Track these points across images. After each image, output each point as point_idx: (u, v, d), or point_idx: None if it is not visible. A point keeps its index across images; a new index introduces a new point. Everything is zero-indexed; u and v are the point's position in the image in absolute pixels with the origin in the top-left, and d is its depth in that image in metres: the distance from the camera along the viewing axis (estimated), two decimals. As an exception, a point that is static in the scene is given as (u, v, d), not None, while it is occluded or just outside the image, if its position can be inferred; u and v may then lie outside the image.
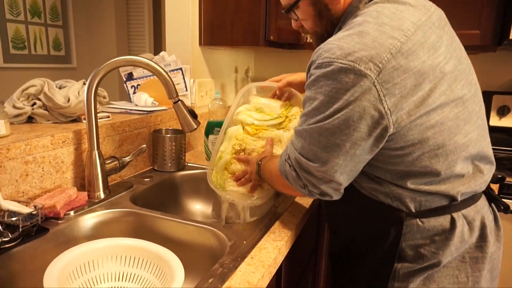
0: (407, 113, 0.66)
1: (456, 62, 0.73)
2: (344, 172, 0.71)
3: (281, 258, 0.82)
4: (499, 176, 0.91)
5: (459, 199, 0.75)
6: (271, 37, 1.52)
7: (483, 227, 0.78)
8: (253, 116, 1.11)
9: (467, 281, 0.77)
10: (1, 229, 0.77)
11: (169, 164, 1.30)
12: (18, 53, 2.74)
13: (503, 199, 1.28)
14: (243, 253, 0.77)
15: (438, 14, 0.76)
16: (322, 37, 0.83)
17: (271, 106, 1.12)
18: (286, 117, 1.09)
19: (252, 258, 0.76)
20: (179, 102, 1.01)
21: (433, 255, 0.75)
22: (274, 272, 0.79)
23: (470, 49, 1.54)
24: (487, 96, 1.77)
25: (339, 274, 0.95)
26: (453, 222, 0.74)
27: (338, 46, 0.67)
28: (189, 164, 1.37)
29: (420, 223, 0.75)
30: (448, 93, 0.69)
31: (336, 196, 0.76)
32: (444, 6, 1.47)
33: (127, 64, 1.00)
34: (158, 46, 3.57)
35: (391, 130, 0.67)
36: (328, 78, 0.67)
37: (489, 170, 0.81)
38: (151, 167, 1.34)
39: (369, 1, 0.76)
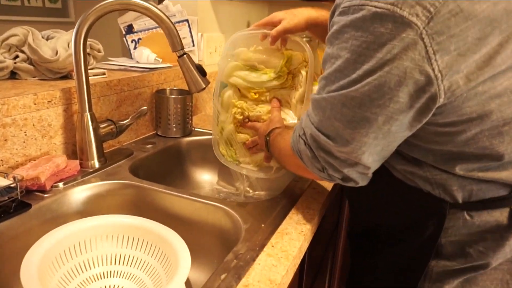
0: (465, 77, 0.49)
1: None
2: (373, 153, 0.56)
3: (306, 246, 0.69)
4: None
5: None
6: (291, -16, 1.32)
7: None
8: (247, 78, 0.90)
9: None
10: (-28, 206, 0.64)
11: (174, 129, 1.15)
12: (9, 4, 2.50)
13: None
14: (261, 240, 0.64)
15: None
16: None
17: (265, 60, 0.89)
18: (289, 72, 0.88)
19: (273, 246, 0.62)
20: (185, 56, 0.85)
21: (481, 255, 0.61)
22: (298, 264, 0.66)
23: None
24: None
25: (359, 263, 0.81)
26: (511, 217, 0.59)
27: None
28: (196, 129, 1.23)
29: (468, 217, 0.60)
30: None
31: (362, 182, 0.61)
32: None
33: (122, 8, 0.82)
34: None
35: (441, 101, 0.50)
36: (356, 28, 0.49)
37: None
38: (154, 132, 1.19)
39: None
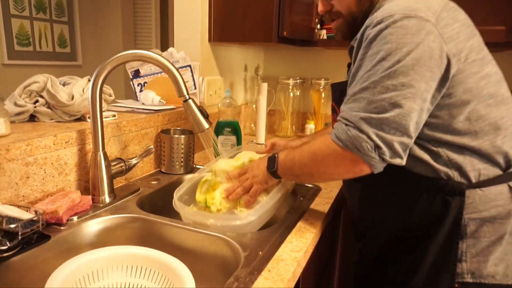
0: (465, 56, 0.71)
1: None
2: (415, 122, 0.70)
3: (299, 271, 0.76)
4: None
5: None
6: (285, 33, 1.45)
7: None
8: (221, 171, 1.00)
9: None
10: (0, 236, 0.71)
11: (177, 166, 1.24)
12: (22, 50, 2.68)
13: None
14: (259, 266, 0.71)
15: None
16: (355, 19, 0.85)
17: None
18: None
19: (269, 271, 0.69)
20: (190, 100, 0.95)
21: (500, 226, 0.75)
22: (293, 286, 0.72)
23: (494, 46, 1.46)
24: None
25: (385, 274, 0.87)
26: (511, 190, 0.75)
27: (393, 5, 0.73)
28: (198, 166, 1.31)
29: (481, 192, 0.74)
30: (485, 51, 0.77)
31: (405, 157, 0.72)
32: (467, 0, 1.40)
33: (134, 59, 0.94)
34: (165, 43, 3.50)
35: (452, 72, 0.70)
36: (392, 27, 0.69)
37: None
38: (158, 169, 1.28)
39: None
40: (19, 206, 0.78)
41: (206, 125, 0.96)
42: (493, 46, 1.43)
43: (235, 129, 1.40)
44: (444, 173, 0.75)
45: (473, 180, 0.75)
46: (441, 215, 0.76)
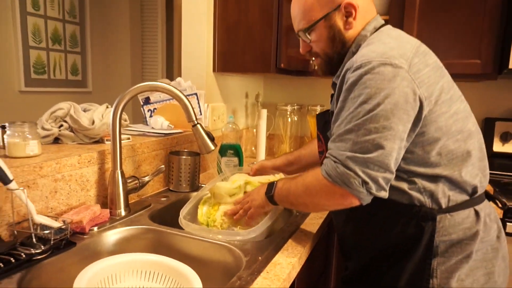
0: (435, 99, 0.80)
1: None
2: (395, 158, 0.77)
3: (294, 274, 0.86)
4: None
5: (478, 193, 0.86)
6: (282, 65, 1.61)
7: (497, 219, 0.89)
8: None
9: (494, 271, 0.86)
10: (34, 241, 0.82)
11: (184, 185, 1.35)
12: (38, 78, 2.86)
13: (508, 223, 1.32)
14: (259, 268, 0.81)
15: None
16: (331, 59, 0.94)
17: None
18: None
19: (267, 272, 0.80)
20: (198, 125, 1.08)
21: (466, 246, 0.83)
22: (288, 287, 0.83)
23: (472, 77, 1.61)
24: (490, 123, 1.82)
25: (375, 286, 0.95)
26: (477, 214, 0.84)
27: (370, 51, 0.80)
28: (202, 185, 1.42)
29: (450, 217, 0.83)
30: (454, 90, 0.85)
31: (387, 192, 0.79)
32: (446, 36, 1.57)
33: (150, 90, 1.07)
34: (170, 72, 3.70)
35: (424, 113, 0.79)
36: (370, 73, 0.77)
37: (487, 167, 0.92)
38: (167, 187, 1.39)
39: (374, 31, 0.90)
40: (49, 217, 0.89)
41: (212, 147, 1.09)
42: (471, 77, 1.59)
43: (237, 152, 1.52)
44: (418, 200, 0.83)
45: (443, 206, 0.83)
46: (416, 238, 0.84)
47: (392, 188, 0.83)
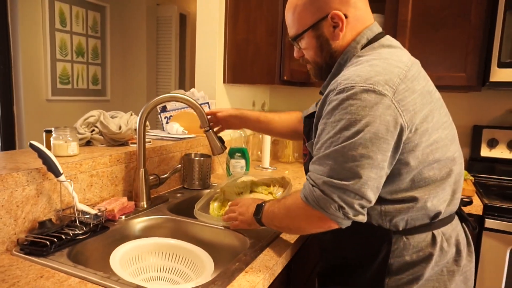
0: (416, 126, 0.77)
1: (439, 94, 0.88)
2: (373, 187, 0.76)
3: (290, 253, 1.03)
4: (466, 200, 1.05)
5: (441, 216, 0.85)
6: (285, 77, 1.79)
7: (457, 243, 0.88)
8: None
9: None
10: (78, 224, 1.00)
11: (197, 183, 1.53)
12: (63, 87, 3.12)
13: (488, 219, 1.47)
14: (261, 248, 0.98)
15: (417, 60, 0.91)
16: (321, 67, 0.94)
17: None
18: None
19: (268, 251, 0.97)
20: (210, 130, 1.26)
21: (418, 268, 0.84)
22: (286, 263, 0.99)
23: (459, 88, 1.77)
24: (478, 130, 1.97)
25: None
26: (434, 238, 0.84)
27: (355, 74, 0.77)
28: (213, 184, 1.60)
29: (405, 239, 0.84)
30: (438, 117, 0.83)
31: (365, 216, 0.79)
32: (436, 52, 1.74)
33: (171, 100, 1.26)
34: (182, 83, 3.93)
35: (403, 140, 0.76)
36: (353, 99, 0.75)
37: (461, 190, 0.92)
38: (182, 185, 1.57)
39: (365, 45, 0.88)
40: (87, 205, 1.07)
41: (222, 149, 1.26)
42: (458, 88, 1.75)
43: (244, 154, 1.70)
44: (376, 221, 0.85)
45: (400, 228, 0.84)
46: (372, 255, 0.86)
47: None
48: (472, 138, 1.99)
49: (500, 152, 1.91)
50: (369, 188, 0.75)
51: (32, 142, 0.95)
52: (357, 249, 0.90)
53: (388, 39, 0.90)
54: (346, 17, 0.86)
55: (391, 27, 1.79)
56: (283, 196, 1.02)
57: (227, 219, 1.08)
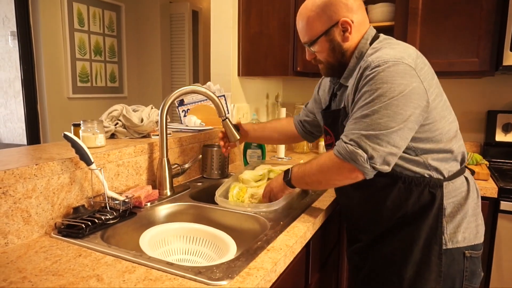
0: (432, 92, 0.97)
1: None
2: (403, 138, 0.93)
3: (309, 234, 1.08)
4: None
5: (465, 162, 1.06)
6: (298, 68, 1.83)
7: (474, 183, 1.09)
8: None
9: (479, 222, 1.07)
10: (108, 210, 1.07)
11: (216, 172, 1.59)
12: (83, 86, 3.22)
13: (504, 202, 1.49)
14: (280, 229, 1.03)
15: None
16: (333, 66, 1.10)
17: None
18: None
19: (288, 232, 1.02)
20: (227, 119, 1.31)
21: (464, 206, 1.03)
22: (305, 244, 1.04)
23: (471, 74, 1.78)
24: (492, 115, 1.97)
25: (391, 250, 1.08)
26: (467, 181, 1.06)
27: (384, 53, 0.96)
28: (231, 174, 1.66)
29: (451, 184, 1.02)
30: (440, 88, 1.02)
31: (392, 165, 0.96)
32: (447, 39, 1.75)
33: (191, 92, 1.31)
34: (196, 78, 4.00)
35: (428, 104, 0.95)
36: (386, 71, 0.92)
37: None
38: (201, 175, 1.63)
39: (371, 42, 1.06)
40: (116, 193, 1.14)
41: (238, 136, 1.32)
42: (470, 74, 1.76)
43: (260, 145, 1.75)
44: (427, 173, 1.01)
45: (446, 176, 1.02)
46: (429, 204, 1.01)
47: (406, 164, 1.01)
48: (487, 123, 2.00)
49: (515, 137, 1.92)
50: (398, 137, 0.92)
51: (66, 133, 1.02)
52: (415, 203, 1.02)
53: (384, 36, 1.09)
54: (352, 22, 1.03)
55: (402, 15, 1.81)
56: (308, 161, 1.12)
57: (266, 198, 1.21)
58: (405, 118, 0.92)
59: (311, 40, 1.07)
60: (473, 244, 1.04)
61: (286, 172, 1.15)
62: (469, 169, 1.18)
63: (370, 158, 0.93)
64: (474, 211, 1.06)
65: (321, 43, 1.07)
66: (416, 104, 0.93)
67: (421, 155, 1.00)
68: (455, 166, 1.04)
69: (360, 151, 0.93)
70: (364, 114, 0.94)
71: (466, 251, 1.03)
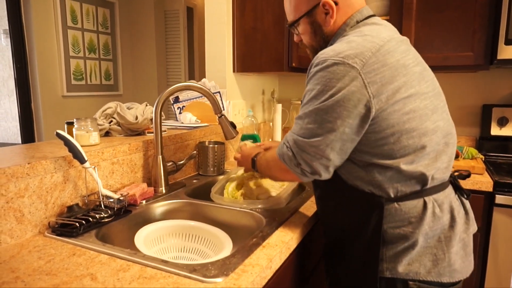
0: (386, 98, 0.82)
1: (421, 68, 0.91)
2: (334, 149, 0.84)
3: (305, 230, 1.08)
4: (465, 173, 1.05)
5: (429, 184, 0.88)
6: (293, 64, 1.82)
7: (452, 209, 0.90)
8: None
9: (444, 258, 0.88)
10: (103, 208, 1.06)
11: (212, 169, 1.58)
12: (77, 84, 3.20)
13: (499, 195, 1.50)
14: (276, 225, 1.03)
15: (404, 37, 0.96)
16: (316, 50, 1.02)
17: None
18: None
19: (283, 228, 1.02)
20: (223, 116, 1.31)
21: (411, 234, 0.86)
22: (301, 240, 1.04)
23: (466, 68, 1.78)
24: (487, 109, 1.98)
25: (333, 264, 1.04)
26: (425, 204, 0.87)
27: (331, 49, 0.86)
28: (227, 170, 1.65)
29: (397, 206, 0.87)
30: (417, 88, 0.86)
31: (324, 174, 0.88)
32: (442, 33, 1.75)
33: (186, 88, 1.30)
34: (191, 74, 3.98)
35: (373, 111, 0.82)
36: (323, 71, 0.84)
37: (451, 158, 0.94)
38: (197, 172, 1.63)
39: (353, 26, 0.95)
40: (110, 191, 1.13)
41: (234, 133, 1.31)
42: (465, 68, 1.76)
43: (255, 140, 1.74)
44: (368, 188, 0.89)
45: (392, 195, 0.87)
46: (365, 223, 0.90)
47: (347, 173, 0.92)
48: (482, 117, 2.00)
49: (511, 131, 1.92)
50: (328, 148, 0.85)
51: (58, 131, 1.01)
52: (352, 216, 0.94)
53: (375, 19, 0.96)
54: (336, 4, 0.95)
55: (396, 10, 1.81)
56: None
57: (237, 158, 1.25)
58: (335, 127, 0.83)
59: (293, 21, 1.02)
60: (424, 279, 0.88)
61: (253, 162, 1.13)
62: (463, 174, 1.01)
63: (298, 165, 0.89)
64: (437, 243, 0.88)
65: (303, 25, 1.02)
66: (351, 112, 0.82)
67: (365, 167, 0.89)
68: (409, 187, 0.87)
69: (291, 154, 0.90)
70: (299, 116, 0.90)
71: (411, 282, 0.88)
